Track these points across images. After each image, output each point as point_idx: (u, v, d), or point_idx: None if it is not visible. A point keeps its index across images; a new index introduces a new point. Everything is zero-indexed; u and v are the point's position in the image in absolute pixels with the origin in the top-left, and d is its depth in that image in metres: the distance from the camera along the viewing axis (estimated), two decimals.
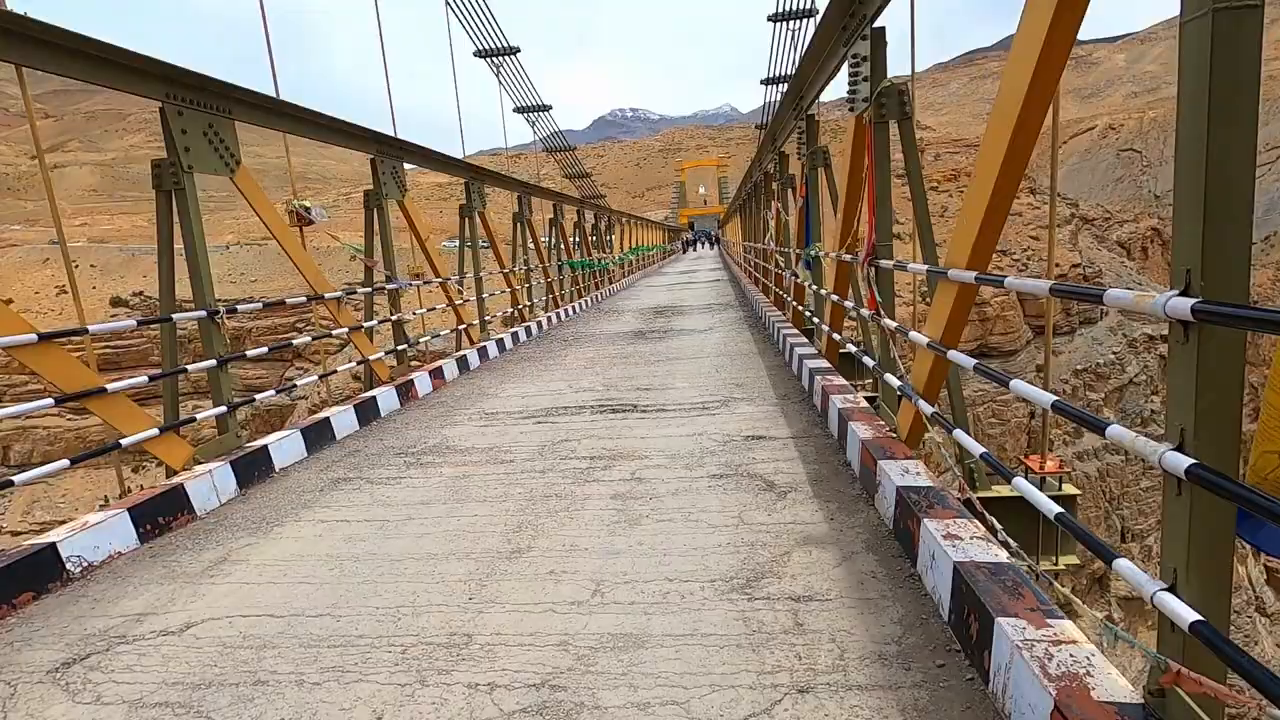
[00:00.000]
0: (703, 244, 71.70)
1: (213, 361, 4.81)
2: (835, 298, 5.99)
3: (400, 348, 7.77)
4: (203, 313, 4.76)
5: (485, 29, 14.86)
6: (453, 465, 4.96)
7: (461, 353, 9.12)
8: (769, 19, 15.19)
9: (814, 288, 7.44)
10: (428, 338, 8.82)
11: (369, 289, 7.56)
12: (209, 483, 4.35)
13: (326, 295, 6.20)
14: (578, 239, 19.26)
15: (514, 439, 5.55)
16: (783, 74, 17.12)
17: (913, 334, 3.66)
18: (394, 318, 7.68)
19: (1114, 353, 43.31)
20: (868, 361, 4.80)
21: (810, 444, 4.78)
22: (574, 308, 16.36)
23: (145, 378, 4.28)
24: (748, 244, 19.86)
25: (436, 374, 8.05)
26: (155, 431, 4.23)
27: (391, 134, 7.86)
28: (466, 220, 10.28)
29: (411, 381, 7.37)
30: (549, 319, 13.87)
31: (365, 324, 7.10)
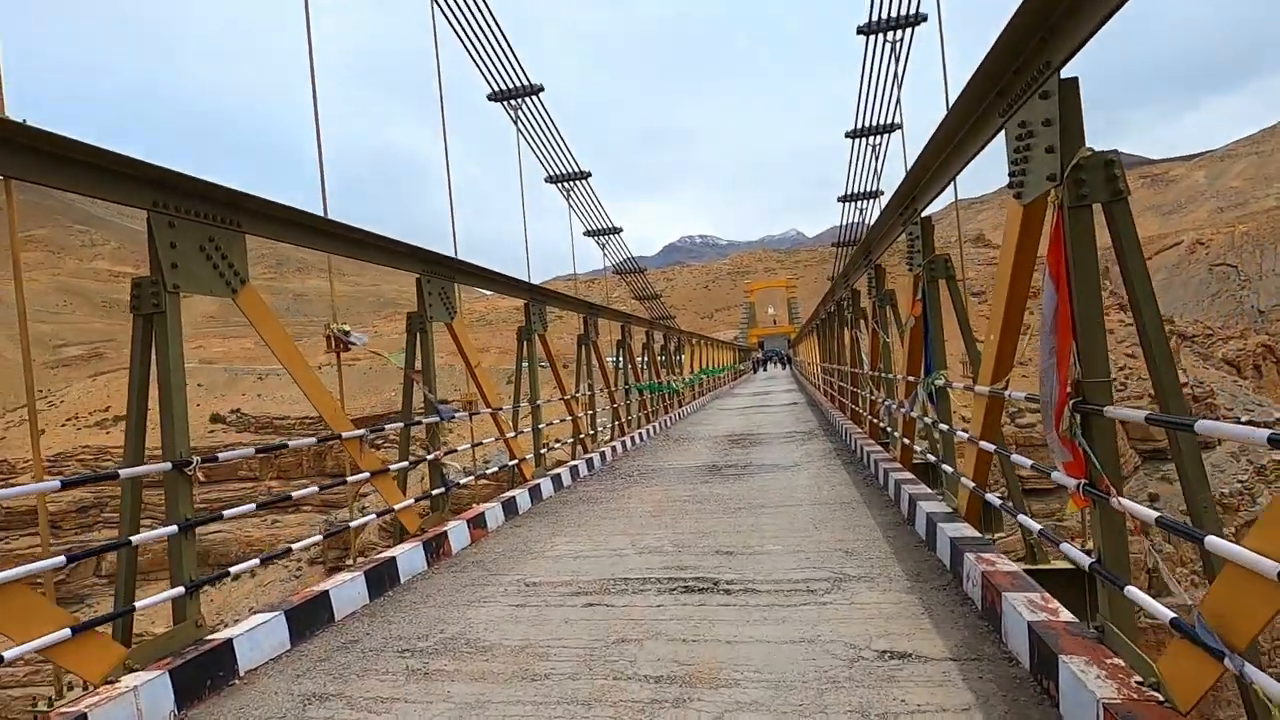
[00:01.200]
0: (774, 364, 70.46)
1: (173, 528, 3.74)
2: (988, 445, 4.51)
3: (436, 492, 6.63)
4: (166, 466, 3.76)
5: (557, 155, 15.03)
6: (467, 678, 3.58)
7: (510, 494, 7.92)
8: (847, 135, 14.73)
9: (935, 422, 5.96)
10: (468, 478, 7.68)
11: (403, 423, 6.58)
12: (130, 709, 3.14)
13: (346, 435, 5.20)
14: (646, 360, 18.39)
15: (555, 632, 4.15)
16: (863, 189, 16.54)
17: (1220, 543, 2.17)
18: (430, 456, 6.62)
19: (1241, 481, 38.71)
20: (1077, 557, 3.20)
21: (988, 677, 3.17)
22: (642, 435, 15.14)
23: (62, 558, 3.19)
24: (829, 365, 18.47)
25: (477, 522, 6.83)
26: (67, 633, 3.11)
27: (449, 254, 7.28)
28: (525, 343, 9.44)
29: (445, 535, 6.16)
30: (614, 449, 12.65)
31: (393, 465, 6.03)
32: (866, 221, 18.79)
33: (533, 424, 9.47)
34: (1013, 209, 3.68)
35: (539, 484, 8.65)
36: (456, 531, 6.39)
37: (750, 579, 4.90)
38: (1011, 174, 3.49)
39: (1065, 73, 3.09)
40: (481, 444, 8.71)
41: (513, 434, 8.51)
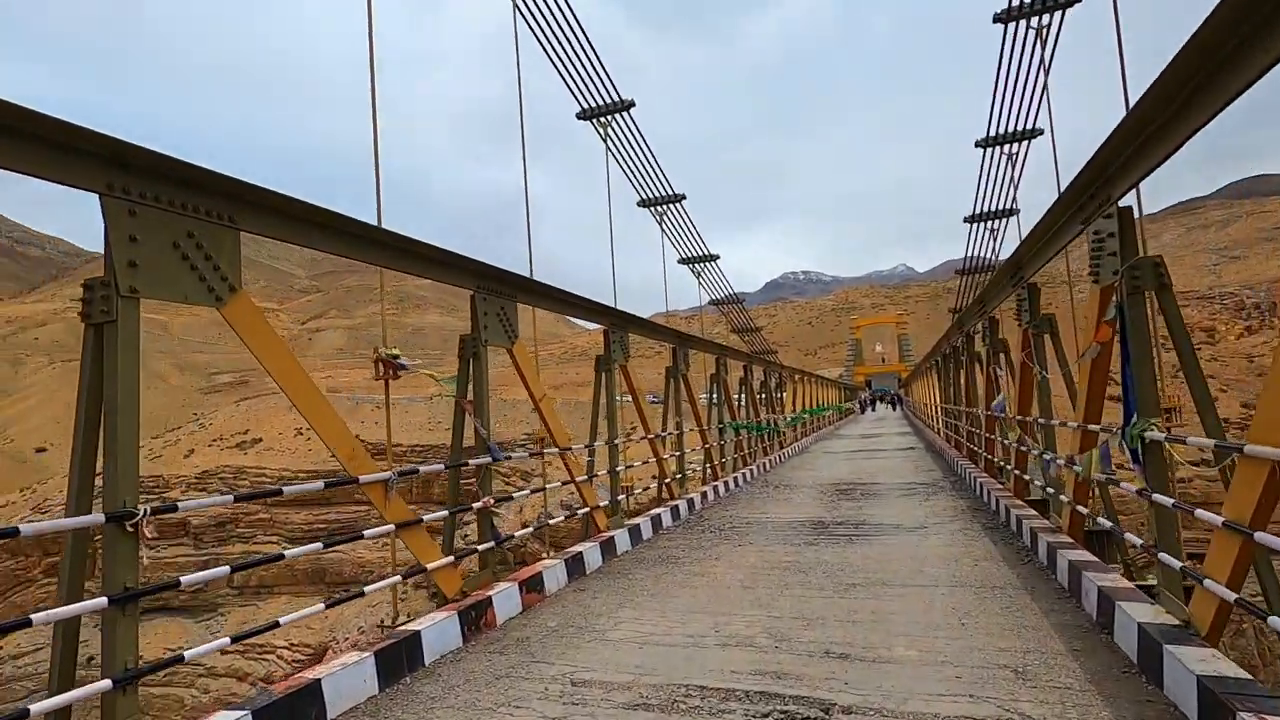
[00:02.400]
0: (883, 404, 66.31)
1: (101, 601, 2.86)
2: (1269, 538, 2.90)
3: (484, 547, 5.60)
4: (99, 518, 2.90)
5: (649, 177, 14.21)
6: None
7: (577, 549, 6.79)
8: (978, 144, 13.02)
9: (1146, 492, 4.28)
10: (524, 530, 6.60)
11: (450, 464, 5.63)
12: None
13: (366, 479, 4.28)
14: (743, 398, 16.97)
15: None
16: (996, 208, 14.63)
17: None
18: (479, 505, 5.61)
19: None
20: None
21: None
22: (737, 480, 13.68)
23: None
24: (955, 408, 16.29)
25: (532, 585, 5.73)
26: None
27: (525, 274, 6.55)
28: (604, 375, 8.41)
29: (488, 602, 5.09)
30: (704, 495, 11.31)
31: (429, 515, 5.06)
32: (996, 246, 16.70)
33: (610, 466, 8.36)
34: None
35: (613, 537, 7.47)
36: (505, 597, 5.31)
37: (877, 707, 3.47)
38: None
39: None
40: (560, 483, 7.69)
41: (584, 478, 7.40)
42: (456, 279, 5.60)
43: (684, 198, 14.60)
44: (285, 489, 4.10)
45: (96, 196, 3.00)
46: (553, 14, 10.35)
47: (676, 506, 9.83)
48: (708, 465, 13.25)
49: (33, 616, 2.62)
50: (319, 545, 4.63)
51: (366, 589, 4.47)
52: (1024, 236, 5.51)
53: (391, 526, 4.50)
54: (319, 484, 4.32)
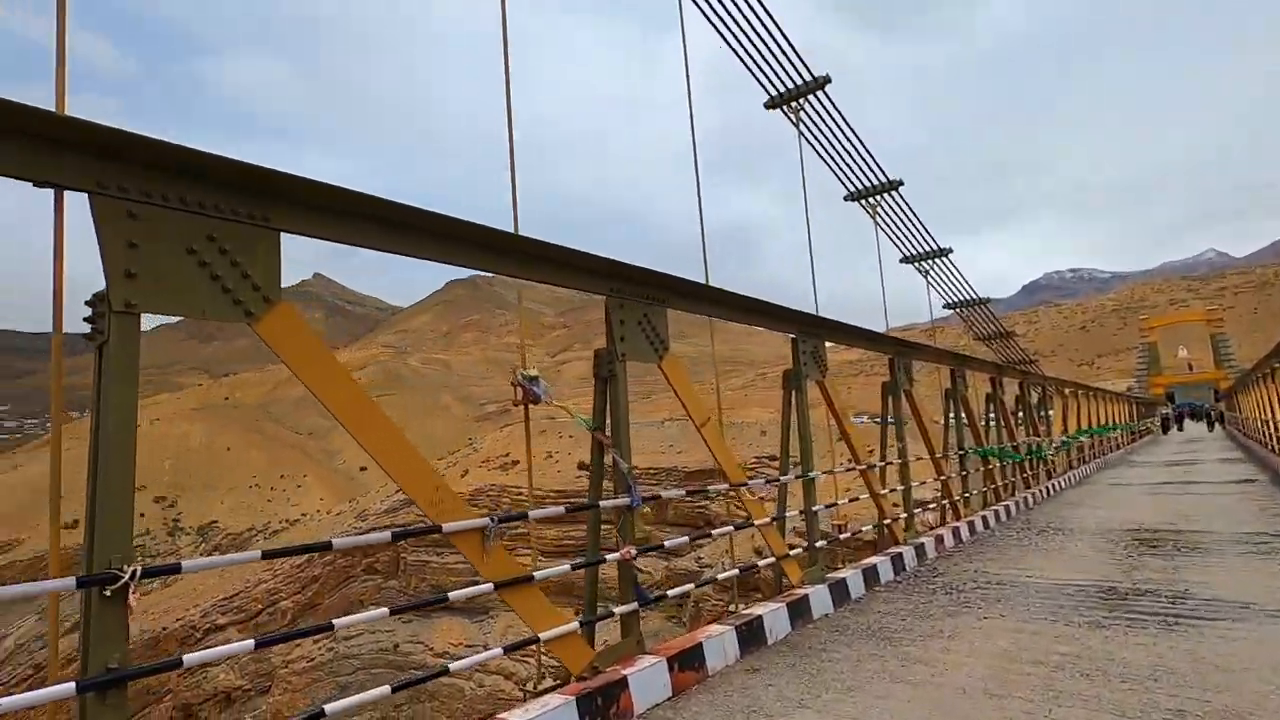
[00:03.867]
0: (1194, 421, 53.24)
1: (69, 685, 2.30)
2: None
3: (624, 610, 4.52)
4: (69, 582, 2.37)
5: (915, 238, 13.84)
6: None
7: (753, 612, 5.41)
8: None
9: None
10: (676, 591, 5.34)
11: (590, 503, 4.68)
12: None
13: (449, 527, 3.47)
14: (991, 417, 14.00)
15: None
16: None
17: None
18: (617, 555, 4.56)
19: None
20: None
21: None
22: (986, 519, 11.03)
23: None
24: None
25: (688, 660, 4.51)
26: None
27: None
28: (793, 393, 6.99)
29: (622, 684, 3.99)
30: (938, 540, 9.09)
31: (549, 570, 4.13)
32: None
33: (805, 506, 6.83)
34: None
35: (806, 596, 5.94)
36: (647, 677, 4.17)
37: None
38: None
39: None
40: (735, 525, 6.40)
41: (766, 520, 6.00)
42: (585, 283, 4.70)
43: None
44: (335, 542, 3.42)
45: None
46: (823, 119, 10.82)
47: (899, 555, 7.89)
48: (944, 501, 10.85)
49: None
50: (250, 645, 3.90)
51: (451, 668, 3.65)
52: None
53: (489, 586, 3.64)
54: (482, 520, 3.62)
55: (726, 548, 39.16)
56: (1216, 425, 42.16)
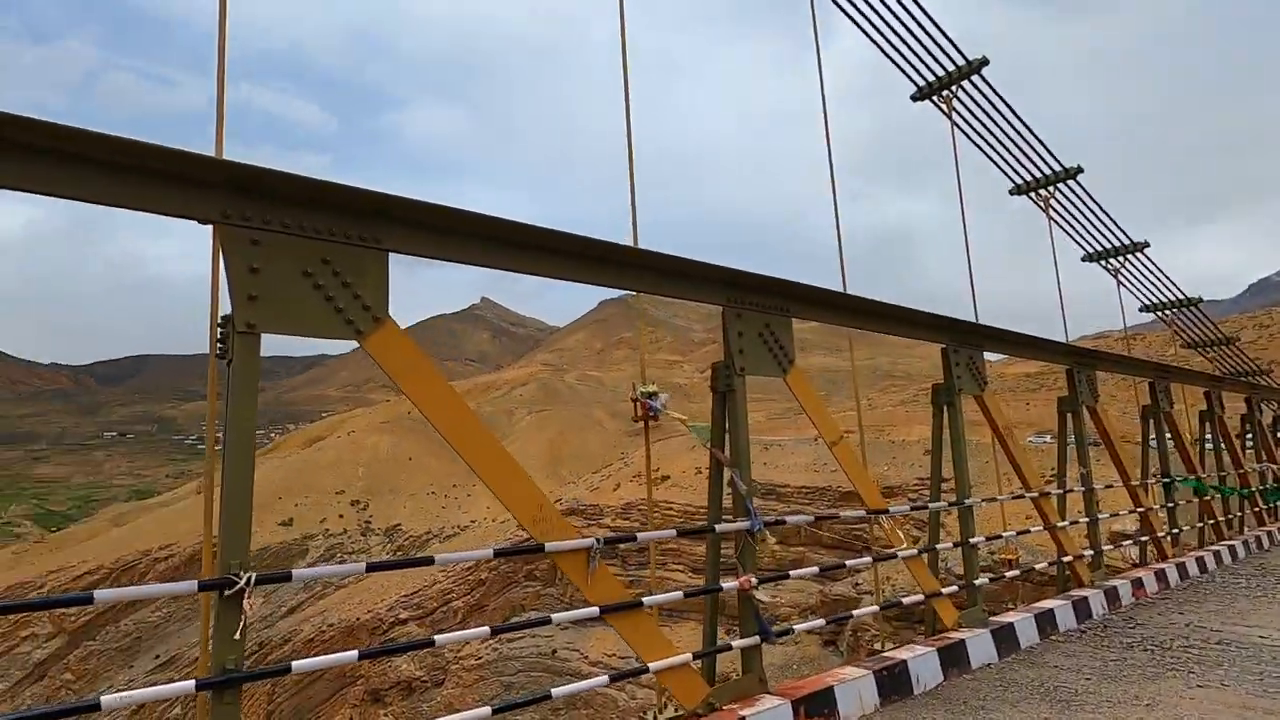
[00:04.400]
0: None
1: (189, 684, 2.44)
2: None
3: (744, 644, 4.16)
4: (191, 585, 2.53)
5: (1099, 232, 12.11)
6: None
7: (896, 655, 4.79)
8: None
9: None
10: (809, 625, 4.80)
11: (709, 527, 4.41)
12: None
13: (551, 547, 3.36)
14: (1207, 440, 11.80)
15: None
16: None
17: None
18: (735, 584, 4.22)
19: None
20: None
21: None
22: (1203, 560, 9.22)
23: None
24: None
25: (816, 705, 4.03)
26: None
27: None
28: (946, 409, 6.26)
29: None
30: (1136, 583, 7.68)
31: (659, 597, 3.90)
32: None
33: (961, 535, 6.03)
34: None
35: (963, 642, 5.21)
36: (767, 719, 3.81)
37: None
38: None
39: None
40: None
41: (912, 550, 5.35)
42: (700, 292, 4.48)
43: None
44: (439, 556, 3.42)
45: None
46: (982, 107, 9.93)
47: (1084, 600, 6.73)
48: (1148, 538, 9.22)
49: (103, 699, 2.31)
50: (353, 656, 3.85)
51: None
52: None
53: (595, 610, 3.50)
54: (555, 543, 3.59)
55: (889, 573, 36.55)
56: None
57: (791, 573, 4.69)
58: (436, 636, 3.48)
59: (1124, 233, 12.39)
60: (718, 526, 4.30)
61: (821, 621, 4.89)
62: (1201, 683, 4.81)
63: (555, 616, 3.56)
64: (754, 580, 4.19)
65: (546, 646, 64.65)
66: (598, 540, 3.54)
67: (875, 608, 5.32)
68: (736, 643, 4.11)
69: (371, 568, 3.17)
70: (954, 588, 5.68)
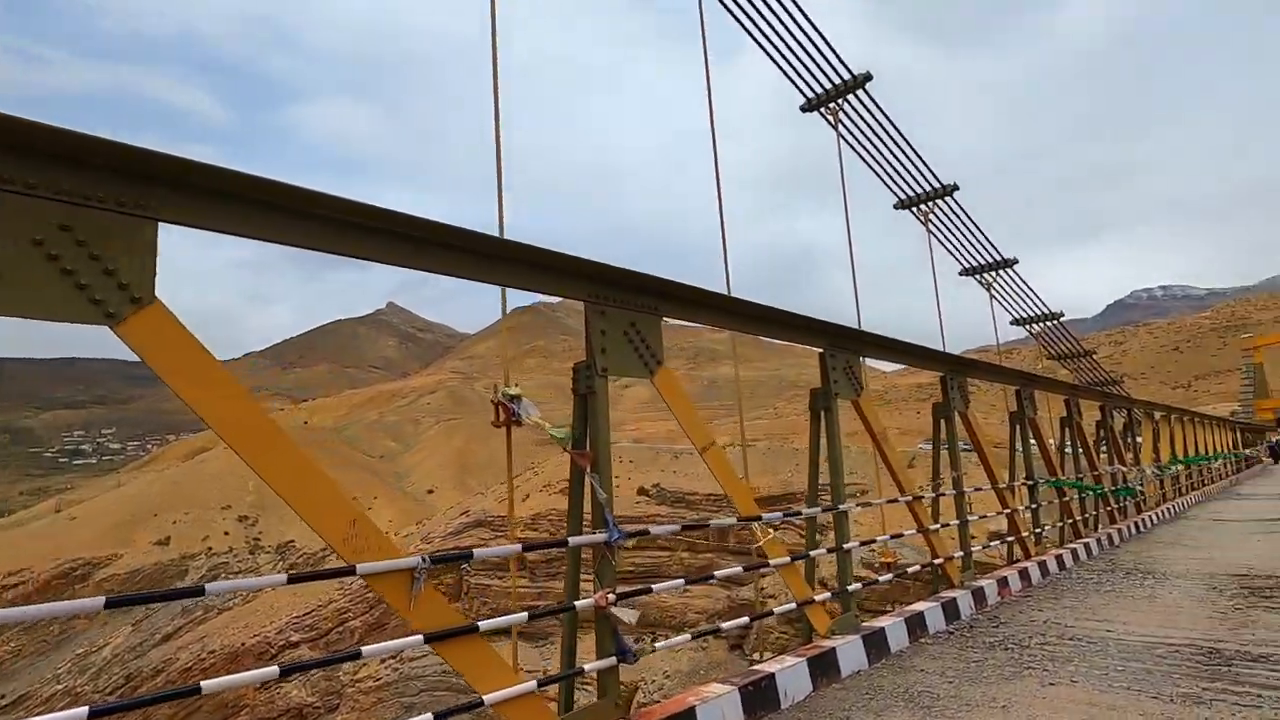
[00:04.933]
0: None
1: None
2: None
3: (598, 667, 3.85)
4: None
5: (975, 248, 12.88)
6: None
7: (764, 669, 4.62)
8: None
9: None
10: (676, 640, 4.58)
11: (568, 541, 4.07)
12: None
13: (365, 568, 2.94)
14: (1066, 443, 12.64)
15: None
16: None
17: None
18: (593, 599, 3.91)
19: None
20: None
21: None
22: (1062, 559, 9.76)
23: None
24: None
25: None
26: None
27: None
28: (823, 414, 6.23)
29: None
30: (1001, 583, 7.99)
31: (490, 621, 3.52)
32: None
33: (836, 540, 6.00)
34: None
35: (833, 651, 5.11)
36: None
37: None
38: None
39: None
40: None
41: (785, 559, 5.23)
42: (561, 286, 4.16)
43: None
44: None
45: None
46: (866, 122, 10.30)
47: (953, 601, 6.88)
48: (1013, 539, 9.68)
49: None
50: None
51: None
52: None
53: (418, 638, 3.08)
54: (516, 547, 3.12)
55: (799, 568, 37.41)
56: None
57: (654, 586, 4.42)
58: (364, 648, 3.03)
59: (996, 249, 13.16)
60: (572, 540, 3.97)
61: (687, 636, 4.64)
62: (1054, 680, 4.92)
63: (366, 650, 3.09)
64: (611, 596, 3.89)
65: (441, 665, 62.38)
66: (424, 559, 3.13)
67: (745, 619, 5.15)
68: (590, 665, 3.79)
69: (294, 579, 2.66)
70: (826, 594, 5.61)
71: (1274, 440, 47.71)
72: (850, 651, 5.29)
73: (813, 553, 5.83)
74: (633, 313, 4.41)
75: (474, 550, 3.47)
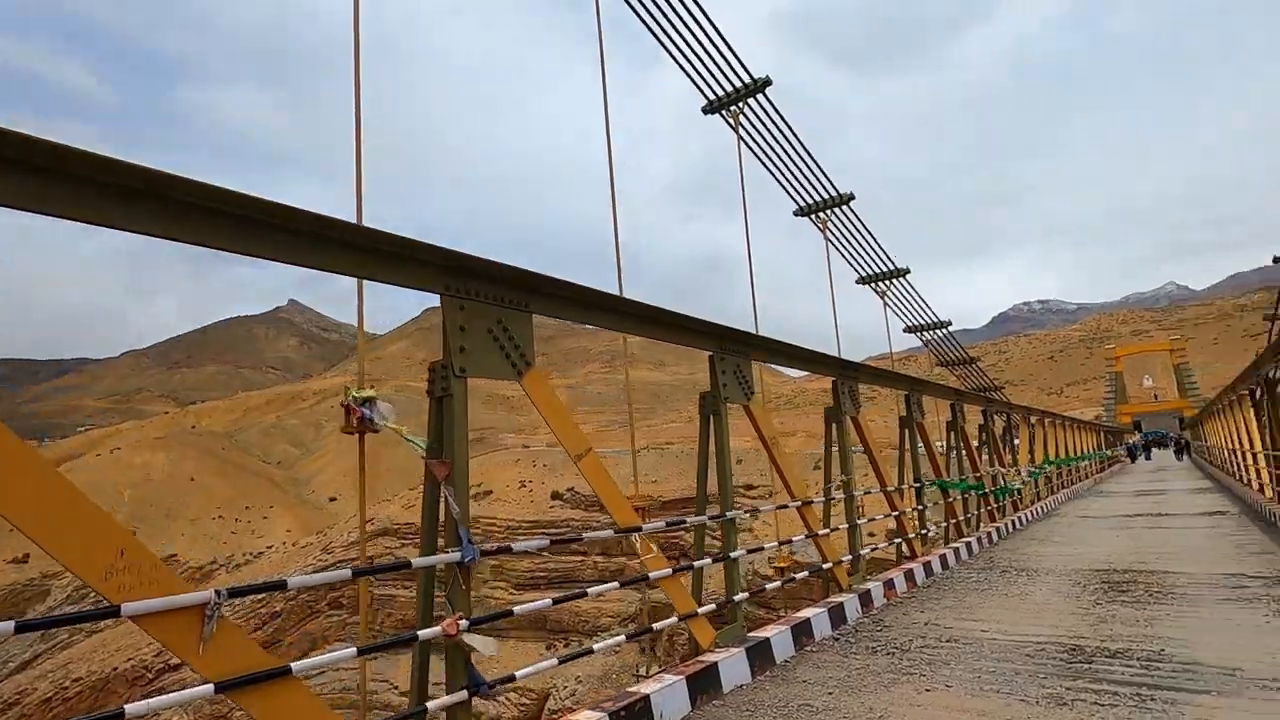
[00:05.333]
0: (1162, 449, 53.41)
1: None
2: None
3: (445, 703, 3.45)
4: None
5: (870, 257, 13.28)
6: None
7: (637, 691, 4.34)
8: None
9: None
10: (526, 671, 4.25)
11: (423, 561, 3.64)
12: None
13: (133, 608, 2.43)
14: (949, 446, 13.20)
15: None
16: None
17: None
18: (441, 627, 3.51)
19: None
20: None
21: None
22: (945, 558, 10.11)
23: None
24: None
25: None
26: None
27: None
28: (835, 426, 6.11)
29: None
30: (888, 585, 8.13)
31: (304, 662, 3.07)
32: None
33: (725, 550, 5.82)
34: None
35: (715, 666, 4.91)
36: None
37: None
38: None
39: None
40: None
41: (665, 571, 4.99)
42: (416, 278, 3.73)
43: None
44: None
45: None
46: (766, 128, 10.24)
47: (840, 606, 6.89)
48: (901, 541, 9.92)
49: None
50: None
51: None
52: None
53: (208, 689, 2.59)
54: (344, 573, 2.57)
55: (711, 574, 37.76)
56: (1186, 454, 42.07)
57: (516, 608, 4.06)
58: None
59: (890, 259, 13.61)
60: (419, 560, 3.54)
61: (554, 661, 4.28)
62: (930, 686, 4.91)
63: (185, 695, 2.55)
64: (463, 623, 3.49)
65: (352, 680, 59.06)
66: (218, 593, 2.64)
67: (621, 636, 4.86)
68: (434, 704, 3.37)
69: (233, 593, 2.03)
70: (710, 606, 5.41)
71: (1131, 442, 52.59)
72: (733, 665, 5.11)
73: (698, 563, 5.63)
74: (499, 308, 4.02)
75: (287, 579, 2.99)
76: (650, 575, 4.79)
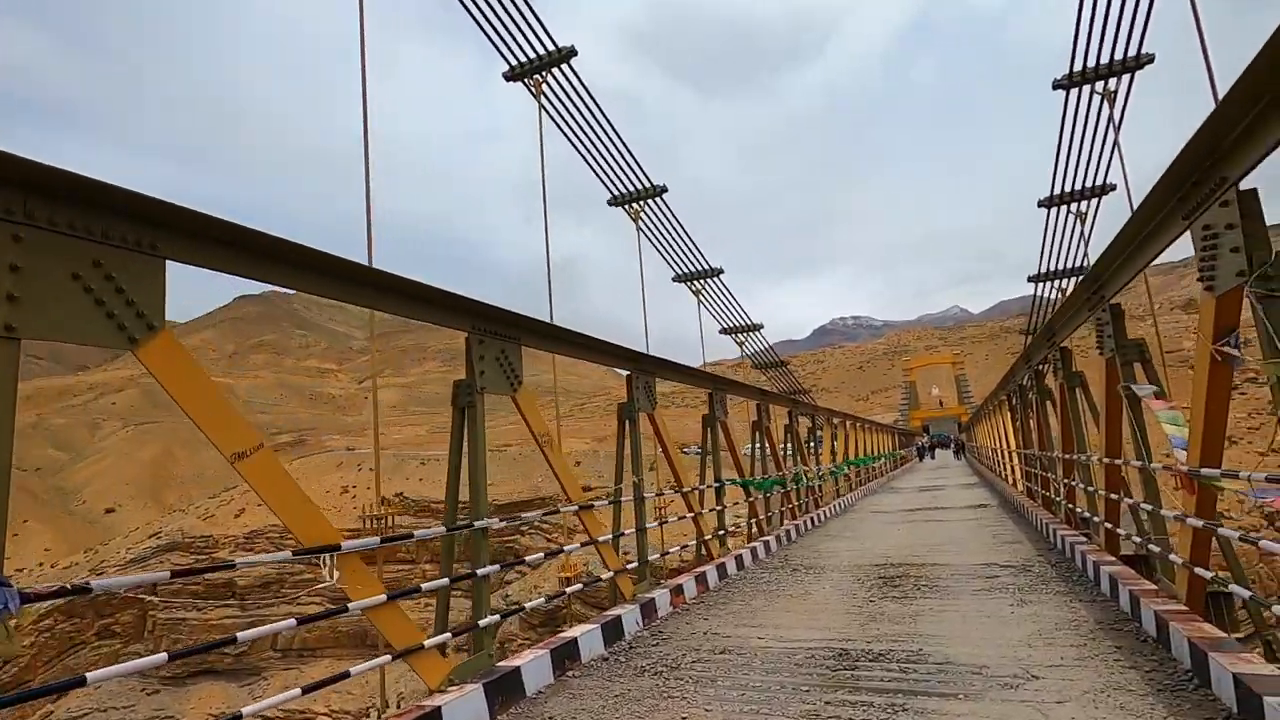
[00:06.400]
0: (944, 450, 60.63)
1: None
2: None
3: None
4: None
5: (685, 253, 13.26)
6: None
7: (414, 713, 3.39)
8: (1041, 204, 12.53)
9: None
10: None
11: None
12: None
13: None
14: (755, 446, 13.40)
15: None
16: (1057, 267, 13.97)
17: None
18: None
19: None
20: None
21: None
22: (741, 558, 10.00)
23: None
24: (1037, 454, 12.40)
25: None
26: None
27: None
28: (628, 423, 5.31)
29: None
30: (676, 591, 7.71)
31: None
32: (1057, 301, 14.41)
33: (473, 567, 4.95)
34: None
35: (438, 709, 4.03)
36: None
37: None
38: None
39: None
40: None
41: (376, 598, 4.03)
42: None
43: (721, 271, 12.53)
44: None
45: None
46: (577, 108, 9.87)
47: (616, 620, 6.27)
48: (701, 541, 9.66)
49: None
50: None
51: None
52: (1106, 248, 5.56)
53: None
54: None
55: (536, 582, 36.45)
56: (962, 454, 47.89)
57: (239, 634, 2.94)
58: None
59: (705, 258, 13.57)
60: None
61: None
62: (692, 707, 4.40)
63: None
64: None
65: (132, 716, 50.32)
66: None
67: (387, 658, 3.83)
68: None
69: None
70: (446, 635, 4.51)
71: (920, 443, 59.14)
72: (468, 705, 4.25)
73: (428, 586, 4.70)
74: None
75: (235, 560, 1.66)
76: (350, 606, 3.80)
